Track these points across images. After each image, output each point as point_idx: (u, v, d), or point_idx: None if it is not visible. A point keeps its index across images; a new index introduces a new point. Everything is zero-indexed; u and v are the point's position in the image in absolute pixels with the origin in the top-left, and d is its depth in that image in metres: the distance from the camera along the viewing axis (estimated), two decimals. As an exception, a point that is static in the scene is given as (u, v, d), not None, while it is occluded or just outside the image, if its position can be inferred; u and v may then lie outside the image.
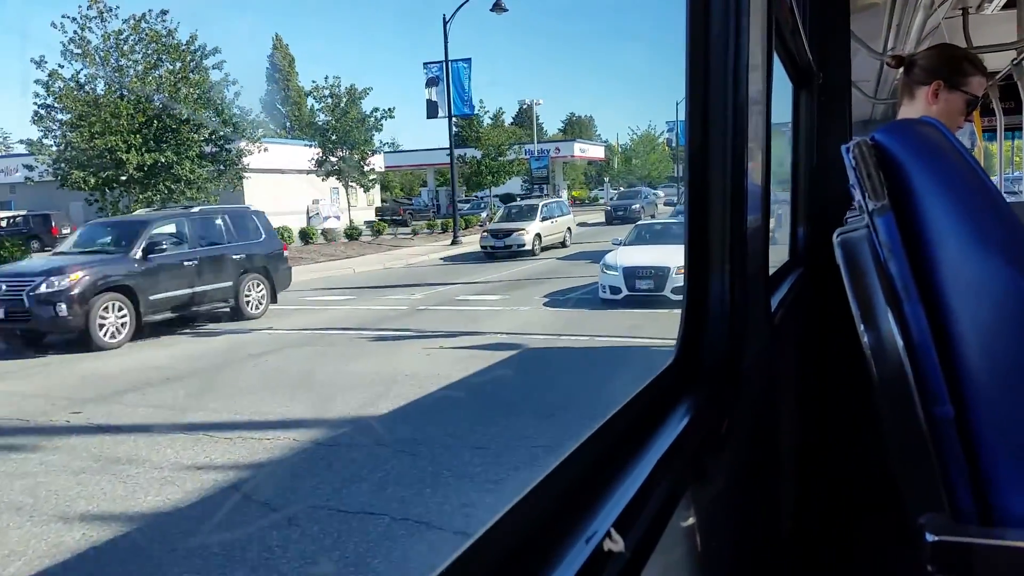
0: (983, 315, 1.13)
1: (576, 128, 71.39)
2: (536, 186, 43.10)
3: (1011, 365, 1.13)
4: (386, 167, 41.29)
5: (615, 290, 12.77)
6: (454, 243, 24.56)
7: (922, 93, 2.23)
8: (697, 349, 1.48)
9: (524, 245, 21.13)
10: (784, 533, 2.01)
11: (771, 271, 2.38)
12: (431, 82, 32.38)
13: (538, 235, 21.85)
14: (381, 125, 27.69)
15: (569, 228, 23.96)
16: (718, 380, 1.45)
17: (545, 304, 13.23)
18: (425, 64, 33.19)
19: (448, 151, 29.50)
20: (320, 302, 13.95)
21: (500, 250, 21.04)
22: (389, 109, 28.38)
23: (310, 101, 28.67)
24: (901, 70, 2.36)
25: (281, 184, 26.35)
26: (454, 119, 32.59)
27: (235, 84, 19.27)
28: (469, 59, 34.34)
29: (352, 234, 26.10)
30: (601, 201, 47.00)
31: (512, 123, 52.66)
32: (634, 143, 56.88)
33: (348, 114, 26.64)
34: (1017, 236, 1.15)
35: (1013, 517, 1.12)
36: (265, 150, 20.84)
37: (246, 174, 20.64)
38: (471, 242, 23.46)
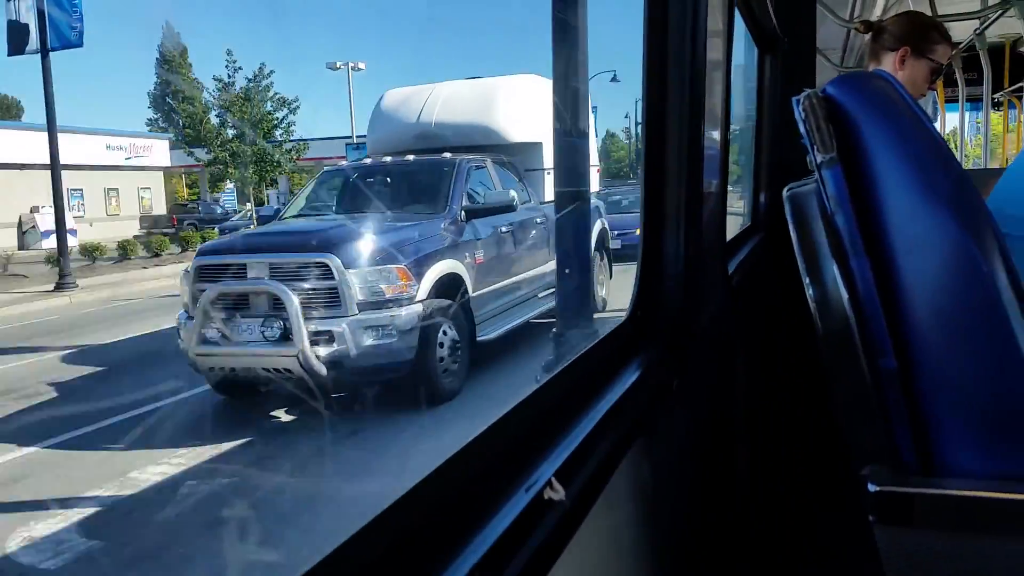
0: (929, 269, 1.14)
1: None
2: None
3: (956, 319, 1.14)
4: (172, 164, 25.72)
5: None
6: (59, 287, 12.69)
7: (888, 59, 2.25)
8: (651, 308, 1.48)
9: None
10: (738, 490, 2.03)
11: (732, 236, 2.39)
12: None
13: None
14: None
15: None
16: (671, 339, 1.45)
17: None
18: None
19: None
20: None
21: None
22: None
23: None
24: (868, 36, 2.37)
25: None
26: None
27: None
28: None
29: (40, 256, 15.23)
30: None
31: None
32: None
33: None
34: (964, 190, 1.15)
35: (953, 469, 1.13)
36: None
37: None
38: (103, 284, 13.35)
